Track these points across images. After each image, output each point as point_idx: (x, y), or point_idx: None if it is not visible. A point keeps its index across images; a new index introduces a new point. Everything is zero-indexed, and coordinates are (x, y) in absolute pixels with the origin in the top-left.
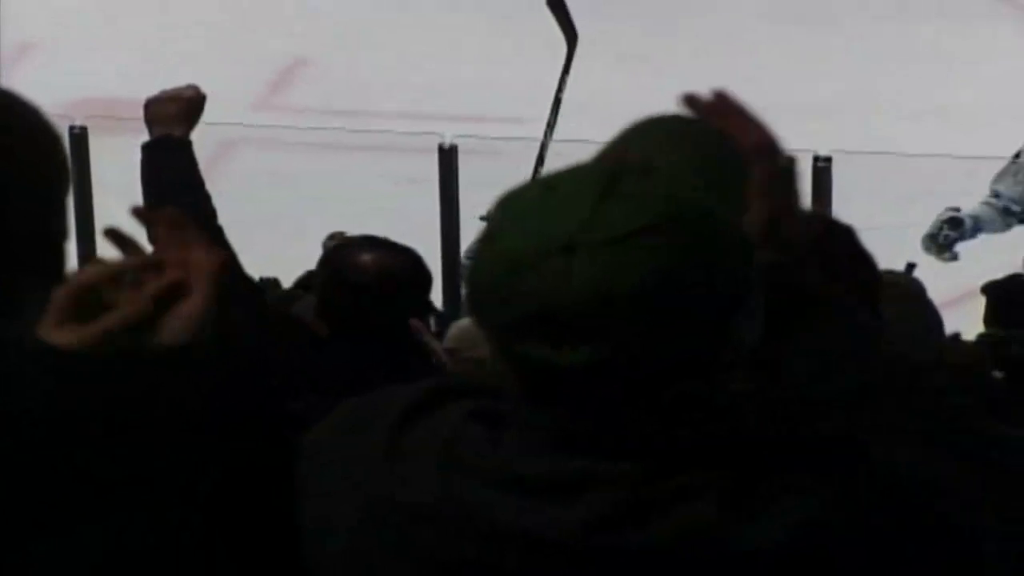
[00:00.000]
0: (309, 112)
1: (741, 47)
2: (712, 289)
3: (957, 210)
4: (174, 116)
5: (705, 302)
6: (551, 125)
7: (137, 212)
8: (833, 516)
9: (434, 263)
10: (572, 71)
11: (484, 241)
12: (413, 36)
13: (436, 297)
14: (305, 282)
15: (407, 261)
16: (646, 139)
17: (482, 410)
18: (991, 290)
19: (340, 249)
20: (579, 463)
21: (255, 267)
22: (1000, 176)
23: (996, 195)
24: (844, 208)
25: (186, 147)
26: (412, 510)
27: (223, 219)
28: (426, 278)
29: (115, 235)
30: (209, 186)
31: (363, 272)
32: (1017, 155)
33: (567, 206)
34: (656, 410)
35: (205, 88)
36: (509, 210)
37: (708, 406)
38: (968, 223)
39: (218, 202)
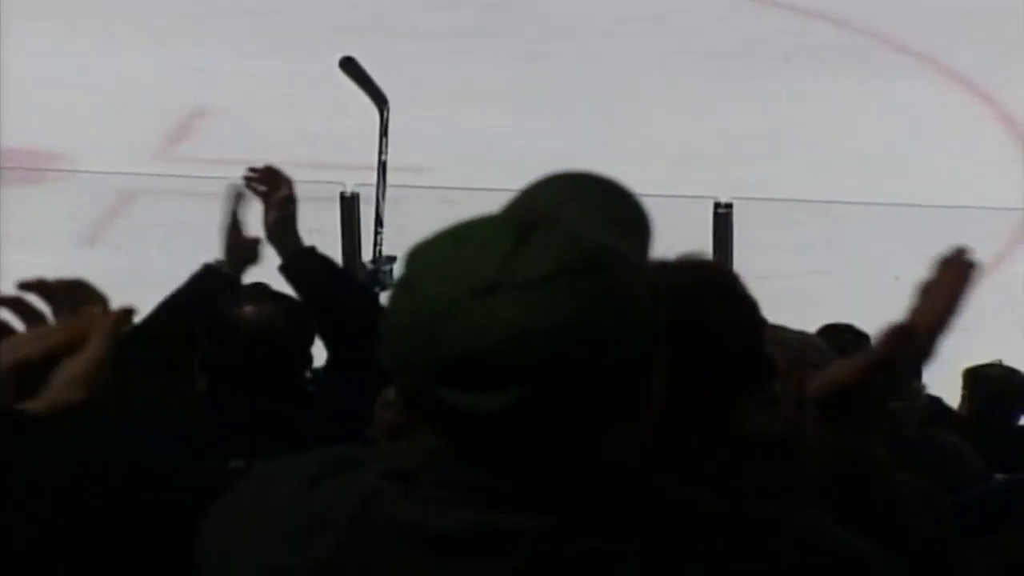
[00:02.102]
0: (209, 162)
1: (640, 95)
2: (627, 333)
3: None
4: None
5: (621, 345)
6: (381, 189)
7: (25, 286)
8: None
9: None
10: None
11: (399, 290)
12: (312, 86)
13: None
14: None
15: (288, 311)
16: (552, 193)
17: (398, 470)
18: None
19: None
20: (494, 518)
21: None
22: None
23: None
24: (745, 255)
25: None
26: (329, 572)
27: (122, 270)
28: (307, 330)
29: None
30: (109, 237)
31: (245, 324)
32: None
33: (481, 253)
34: (572, 464)
35: (106, 139)
36: (421, 260)
37: (624, 463)
38: None
39: (118, 254)
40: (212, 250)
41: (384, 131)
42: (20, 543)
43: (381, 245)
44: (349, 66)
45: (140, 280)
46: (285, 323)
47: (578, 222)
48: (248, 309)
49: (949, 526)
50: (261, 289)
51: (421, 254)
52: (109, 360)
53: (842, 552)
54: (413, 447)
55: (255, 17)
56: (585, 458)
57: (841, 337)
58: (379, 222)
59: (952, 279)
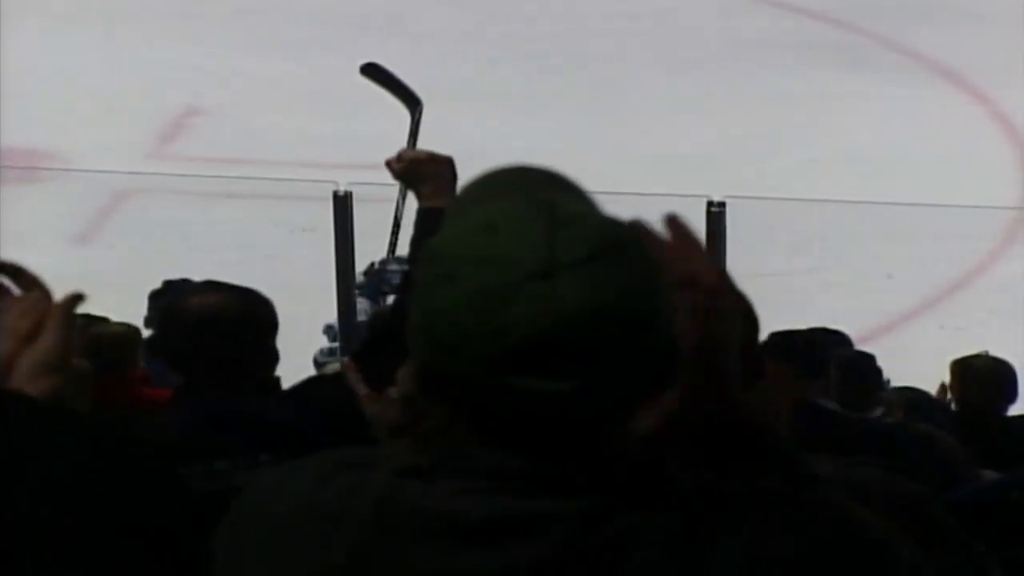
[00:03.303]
0: (202, 161)
1: (635, 94)
2: (667, 307)
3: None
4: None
5: (665, 320)
6: (403, 191)
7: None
8: (781, 559)
9: (330, 310)
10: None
11: (438, 285)
12: (305, 85)
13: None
14: None
15: (244, 302)
16: (519, 182)
17: (410, 467)
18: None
19: (174, 289)
20: (527, 502)
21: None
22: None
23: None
24: (738, 254)
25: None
26: (355, 571)
27: (115, 269)
28: (263, 320)
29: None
30: (103, 236)
31: (196, 311)
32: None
33: (521, 239)
34: (606, 445)
35: (100, 138)
36: (453, 253)
37: (650, 445)
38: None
39: (111, 252)
40: (204, 248)
41: (414, 131)
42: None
43: (396, 246)
44: (372, 71)
45: (132, 278)
46: (234, 310)
47: (574, 207)
48: (195, 298)
49: (940, 525)
50: (215, 282)
51: (450, 247)
52: (71, 346)
53: (864, 528)
54: (418, 443)
55: (249, 16)
56: (618, 439)
57: (826, 338)
58: (397, 224)
59: (680, 233)
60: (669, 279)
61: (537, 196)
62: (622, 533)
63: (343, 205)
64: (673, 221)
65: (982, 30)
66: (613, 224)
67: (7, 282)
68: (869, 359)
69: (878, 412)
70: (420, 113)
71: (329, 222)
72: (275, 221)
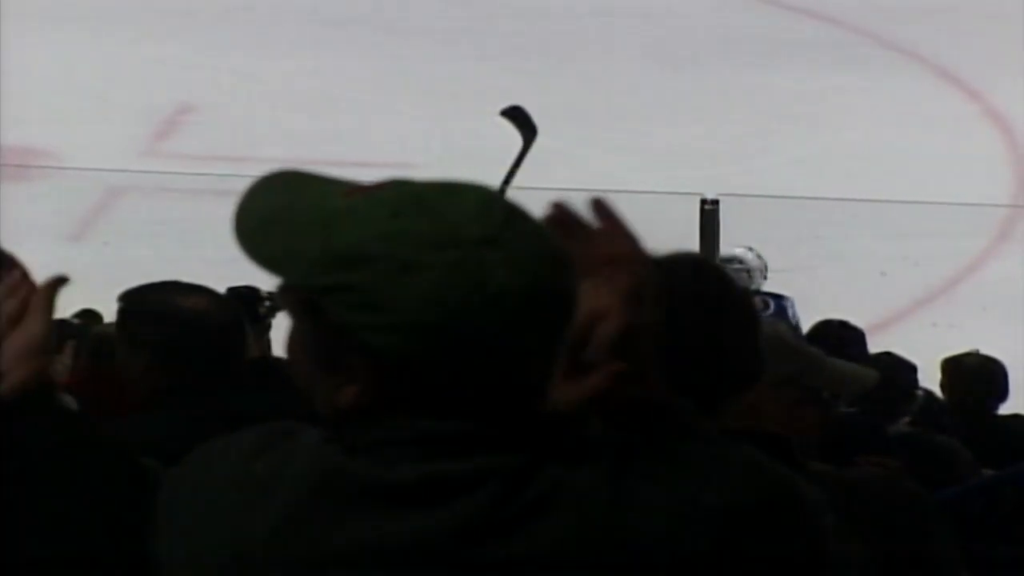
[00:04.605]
0: (196, 159)
1: (627, 91)
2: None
3: None
4: None
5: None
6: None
7: None
8: (704, 505)
9: None
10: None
11: (397, 276)
12: (299, 83)
13: None
14: None
15: (222, 301)
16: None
17: (335, 436)
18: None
19: (146, 292)
20: (459, 463)
21: None
22: None
23: None
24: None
25: None
26: (286, 538)
27: (108, 267)
28: (238, 317)
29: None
30: (96, 234)
31: (185, 312)
32: None
33: (435, 216)
34: (534, 407)
35: (93, 136)
36: (392, 245)
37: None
38: None
39: (105, 250)
40: (198, 246)
41: (519, 161)
42: None
43: None
44: (513, 113)
45: (126, 276)
46: (217, 309)
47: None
48: (179, 299)
49: (938, 524)
50: (183, 284)
51: (373, 240)
52: (53, 331)
53: (774, 473)
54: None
55: (243, 14)
56: (543, 396)
57: (835, 333)
58: None
59: (608, 217)
60: (596, 261)
61: (375, 185)
62: (551, 486)
63: None
64: (599, 204)
65: (976, 28)
66: (483, 196)
67: None
68: (899, 365)
69: (904, 422)
70: (531, 143)
71: None
72: None
